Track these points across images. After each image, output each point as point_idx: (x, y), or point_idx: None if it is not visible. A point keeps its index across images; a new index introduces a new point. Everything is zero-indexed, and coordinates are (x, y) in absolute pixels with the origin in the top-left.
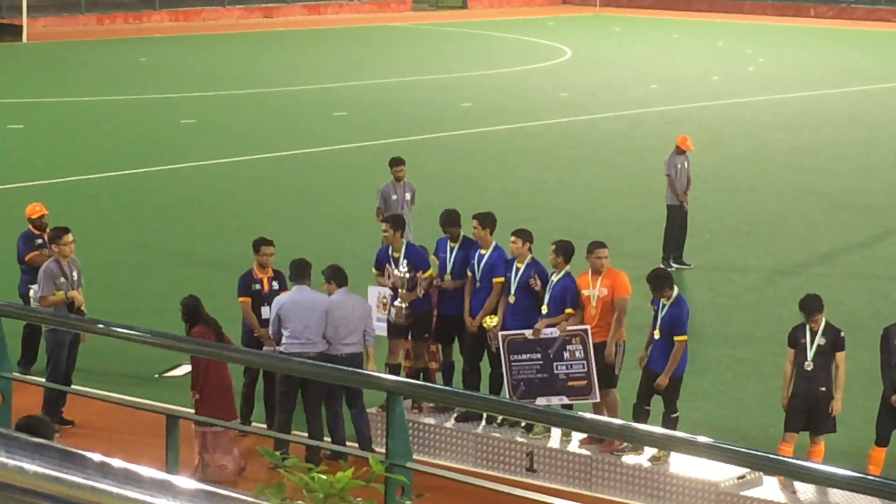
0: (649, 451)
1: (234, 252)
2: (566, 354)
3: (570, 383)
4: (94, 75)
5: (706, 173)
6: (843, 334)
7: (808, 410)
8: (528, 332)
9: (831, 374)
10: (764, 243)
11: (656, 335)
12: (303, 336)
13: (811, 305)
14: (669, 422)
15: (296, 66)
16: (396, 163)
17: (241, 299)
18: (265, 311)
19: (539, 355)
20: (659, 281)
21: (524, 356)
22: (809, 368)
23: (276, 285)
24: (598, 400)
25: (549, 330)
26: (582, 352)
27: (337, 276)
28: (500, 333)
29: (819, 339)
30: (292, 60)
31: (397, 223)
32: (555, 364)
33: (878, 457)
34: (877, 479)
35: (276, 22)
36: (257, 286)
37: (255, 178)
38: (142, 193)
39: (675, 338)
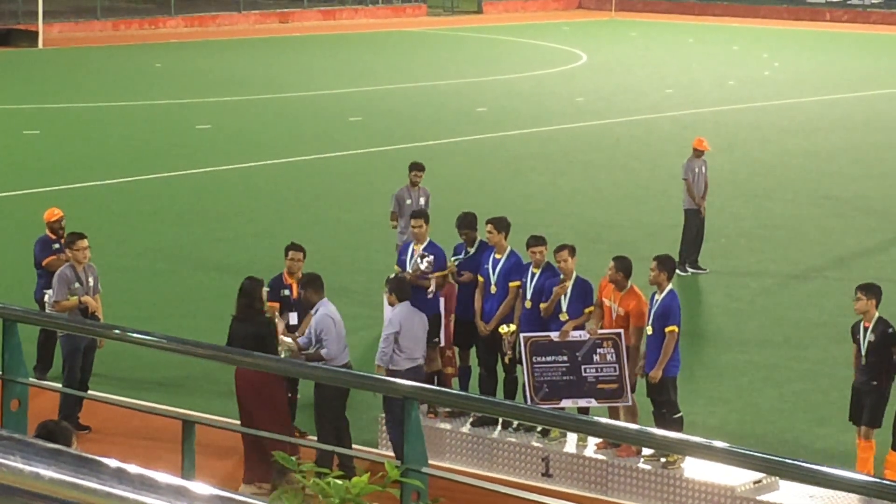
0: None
1: (251, 257)
2: (596, 357)
3: (599, 386)
4: (109, 81)
5: (722, 178)
6: (891, 330)
7: (862, 404)
8: (554, 335)
9: (883, 368)
10: (779, 248)
11: (648, 331)
12: (417, 352)
13: (868, 289)
14: (673, 423)
15: (311, 71)
16: (416, 167)
17: (268, 304)
18: (292, 317)
19: (565, 357)
20: (664, 264)
21: (548, 358)
22: (864, 364)
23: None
24: (631, 403)
25: (576, 333)
26: (614, 355)
27: (400, 289)
28: (521, 335)
29: (870, 336)
30: (308, 65)
31: (427, 218)
32: (583, 367)
33: (895, 461)
34: (894, 483)
35: (292, 27)
36: (286, 291)
37: (270, 183)
38: (157, 199)
39: (666, 329)
